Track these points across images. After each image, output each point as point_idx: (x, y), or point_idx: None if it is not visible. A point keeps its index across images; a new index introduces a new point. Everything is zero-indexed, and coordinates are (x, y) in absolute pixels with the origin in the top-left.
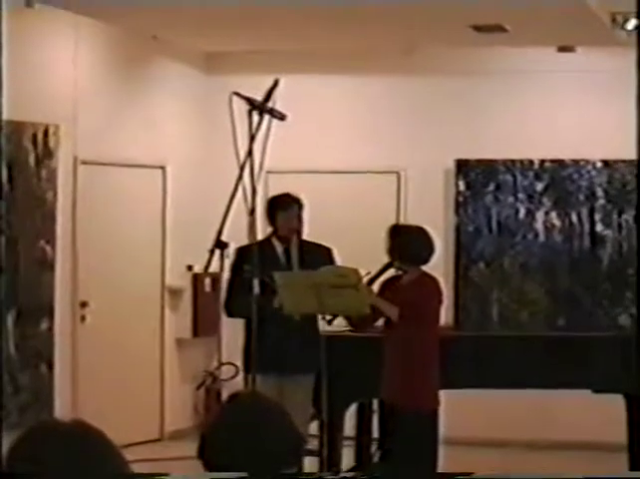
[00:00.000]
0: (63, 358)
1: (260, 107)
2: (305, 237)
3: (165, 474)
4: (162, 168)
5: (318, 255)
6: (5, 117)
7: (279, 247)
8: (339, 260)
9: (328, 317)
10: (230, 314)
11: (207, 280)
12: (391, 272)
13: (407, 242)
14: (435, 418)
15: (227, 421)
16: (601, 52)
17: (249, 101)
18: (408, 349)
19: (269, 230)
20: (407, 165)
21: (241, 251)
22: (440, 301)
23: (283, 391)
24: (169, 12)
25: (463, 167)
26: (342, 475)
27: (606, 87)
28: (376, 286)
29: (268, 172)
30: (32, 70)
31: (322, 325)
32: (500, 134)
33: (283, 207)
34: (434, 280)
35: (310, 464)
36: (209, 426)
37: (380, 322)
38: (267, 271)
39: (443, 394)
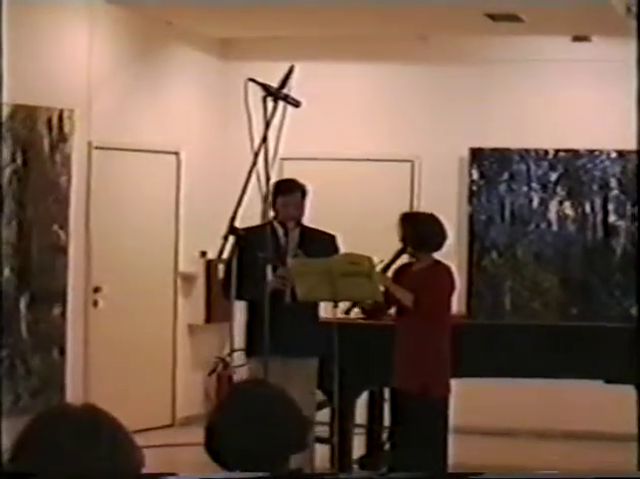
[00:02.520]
0: (75, 343)
1: (275, 93)
2: (317, 223)
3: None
4: (176, 153)
5: (320, 242)
6: (20, 101)
7: (280, 232)
8: (352, 249)
9: (343, 306)
10: (227, 297)
11: (220, 267)
12: (404, 259)
13: (418, 230)
14: (445, 406)
15: (232, 411)
16: (616, 42)
17: (264, 87)
18: (419, 337)
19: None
20: (421, 153)
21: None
22: (452, 289)
23: (287, 375)
24: None
25: (477, 155)
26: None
27: (621, 77)
28: (389, 274)
29: (282, 158)
30: (47, 54)
31: (330, 312)
32: (515, 123)
33: (284, 192)
34: (446, 268)
35: (321, 452)
36: (214, 417)
37: (392, 310)
38: (268, 256)
39: (454, 383)
